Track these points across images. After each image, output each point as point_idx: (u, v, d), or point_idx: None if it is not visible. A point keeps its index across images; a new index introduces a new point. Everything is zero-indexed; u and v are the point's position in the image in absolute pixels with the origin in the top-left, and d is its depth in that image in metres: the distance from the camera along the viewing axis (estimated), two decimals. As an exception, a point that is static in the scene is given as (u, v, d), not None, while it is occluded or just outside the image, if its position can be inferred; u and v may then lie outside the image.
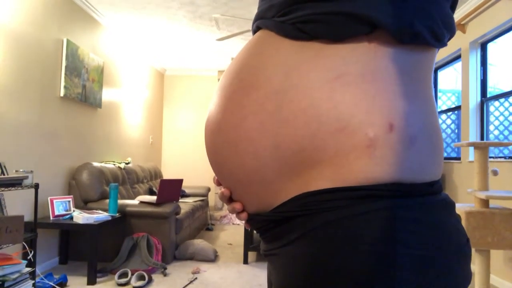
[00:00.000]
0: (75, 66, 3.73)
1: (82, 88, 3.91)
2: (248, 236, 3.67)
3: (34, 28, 3.16)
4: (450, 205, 0.48)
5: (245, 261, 3.69)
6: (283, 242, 0.49)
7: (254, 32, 0.56)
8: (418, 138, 0.46)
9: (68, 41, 3.60)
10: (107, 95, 4.58)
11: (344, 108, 0.44)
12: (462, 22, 3.73)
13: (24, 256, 2.69)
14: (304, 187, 0.46)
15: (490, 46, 3.63)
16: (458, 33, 3.83)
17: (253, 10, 4.00)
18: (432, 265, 0.42)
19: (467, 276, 0.46)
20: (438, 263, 0.43)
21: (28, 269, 2.46)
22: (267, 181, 0.49)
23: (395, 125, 0.44)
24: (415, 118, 0.46)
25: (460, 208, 2.34)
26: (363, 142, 0.43)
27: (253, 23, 0.57)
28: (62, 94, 3.54)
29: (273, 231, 0.51)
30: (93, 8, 4.06)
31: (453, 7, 0.52)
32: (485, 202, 2.33)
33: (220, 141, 0.53)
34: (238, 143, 0.50)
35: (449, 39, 0.51)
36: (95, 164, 3.89)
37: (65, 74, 3.57)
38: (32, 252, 2.67)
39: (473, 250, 2.99)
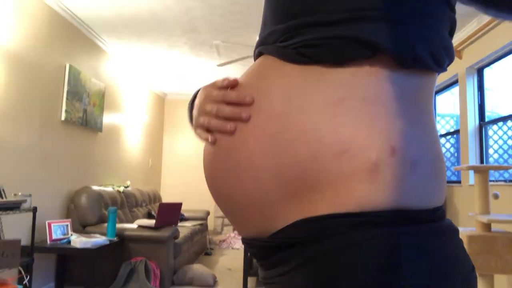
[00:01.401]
0: (77, 90, 3.78)
1: (83, 112, 3.94)
2: (247, 261, 3.61)
3: (38, 52, 3.21)
4: (454, 232, 0.47)
5: (245, 287, 3.62)
6: (282, 270, 0.47)
7: (256, 58, 0.57)
8: (420, 163, 0.45)
9: (70, 66, 3.65)
10: (108, 119, 4.61)
11: (346, 131, 0.44)
12: (458, 48, 3.80)
13: (20, 281, 2.64)
14: (304, 212, 0.45)
15: (487, 72, 3.69)
16: (455, 58, 3.89)
17: (253, 37, 4.08)
18: None
19: None
20: None
21: (24, 294, 2.42)
22: (267, 204, 0.47)
23: (397, 149, 0.43)
24: (417, 142, 0.45)
25: (462, 232, 2.32)
26: (364, 166, 0.43)
27: (255, 49, 0.58)
28: (63, 118, 3.57)
29: (272, 258, 0.49)
30: (96, 34, 4.14)
31: (451, 34, 0.52)
32: (486, 226, 2.31)
33: (219, 164, 0.52)
34: (238, 166, 0.49)
35: (448, 64, 0.51)
36: (94, 187, 3.87)
37: (67, 98, 3.61)
38: (28, 277, 2.62)
39: (476, 275, 2.94)
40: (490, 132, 3.60)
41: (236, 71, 5.37)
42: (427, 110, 0.49)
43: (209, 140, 0.52)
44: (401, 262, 0.40)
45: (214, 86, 0.54)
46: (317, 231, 0.43)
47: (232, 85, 0.52)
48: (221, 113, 0.51)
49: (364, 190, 0.42)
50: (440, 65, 0.49)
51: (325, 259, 0.42)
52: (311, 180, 0.44)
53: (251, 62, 0.58)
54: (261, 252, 0.51)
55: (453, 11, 0.52)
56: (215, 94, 0.53)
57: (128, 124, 5.29)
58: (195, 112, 0.57)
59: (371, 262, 0.40)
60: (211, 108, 0.52)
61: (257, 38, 0.58)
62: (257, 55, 0.56)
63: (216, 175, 0.53)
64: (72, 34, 3.76)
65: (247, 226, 0.52)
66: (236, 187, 0.50)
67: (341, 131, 0.44)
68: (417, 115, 0.47)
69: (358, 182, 0.43)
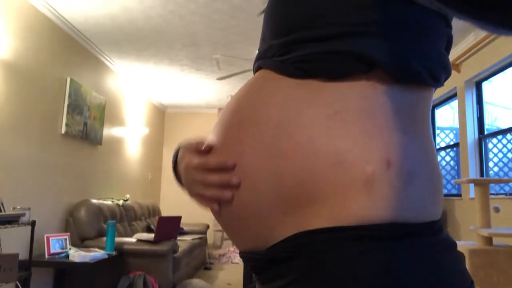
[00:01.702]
0: (77, 104, 3.79)
1: (84, 126, 3.94)
2: (247, 276, 3.57)
3: (39, 66, 3.24)
4: (452, 246, 0.47)
5: (244, 302, 3.57)
6: (279, 284, 0.46)
7: (255, 72, 0.57)
8: (416, 176, 0.45)
9: (71, 79, 3.68)
10: (108, 132, 4.62)
11: (342, 143, 0.44)
12: (457, 62, 3.83)
13: (17, 296, 2.61)
14: (300, 225, 0.44)
15: (485, 85, 3.71)
16: (453, 72, 3.92)
17: (253, 51, 4.11)
18: None
19: None
20: None
21: (20, 310, 2.38)
22: (264, 216, 0.47)
23: (393, 161, 0.43)
24: (414, 156, 0.45)
25: (463, 246, 2.30)
26: (360, 178, 0.43)
27: (254, 63, 0.58)
28: (63, 131, 3.57)
29: (269, 271, 0.49)
30: (97, 48, 4.18)
31: (447, 49, 0.53)
32: (488, 240, 2.30)
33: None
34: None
35: (445, 80, 0.51)
36: (93, 201, 3.85)
37: (67, 112, 3.62)
38: (25, 292, 2.59)
39: (478, 290, 2.91)
40: (490, 145, 3.60)
41: (235, 85, 5.40)
42: (424, 124, 0.50)
43: (214, 208, 0.52)
44: (398, 276, 0.39)
45: (192, 151, 0.54)
46: (312, 245, 0.43)
47: (208, 149, 0.52)
48: (211, 183, 0.50)
49: (360, 203, 0.42)
50: (437, 80, 0.49)
51: (320, 273, 0.42)
52: (308, 192, 0.44)
53: (250, 75, 0.58)
54: (258, 265, 0.51)
55: (449, 26, 0.53)
56: (195, 162, 0.52)
57: (128, 137, 5.29)
58: (183, 178, 0.56)
59: (368, 276, 0.39)
60: (199, 177, 0.52)
61: (256, 52, 0.58)
62: (256, 69, 0.57)
63: None
64: (73, 48, 3.79)
65: (244, 239, 0.51)
66: (232, 198, 0.49)
67: (337, 143, 0.44)
68: (413, 129, 0.47)
69: (354, 195, 0.42)
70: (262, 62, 0.54)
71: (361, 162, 0.43)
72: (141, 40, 3.95)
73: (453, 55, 3.89)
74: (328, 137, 0.44)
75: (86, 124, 4.00)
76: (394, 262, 0.40)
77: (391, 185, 0.43)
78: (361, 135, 0.44)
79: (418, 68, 0.46)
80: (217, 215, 0.54)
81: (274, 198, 0.46)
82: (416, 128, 0.48)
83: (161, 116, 6.86)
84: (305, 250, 0.43)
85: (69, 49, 3.71)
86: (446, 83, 0.52)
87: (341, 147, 0.44)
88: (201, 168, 0.52)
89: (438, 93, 4.27)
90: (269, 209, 0.47)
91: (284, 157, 0.45)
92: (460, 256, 0.48)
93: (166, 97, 6.24)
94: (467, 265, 2.21)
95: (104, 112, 4.39)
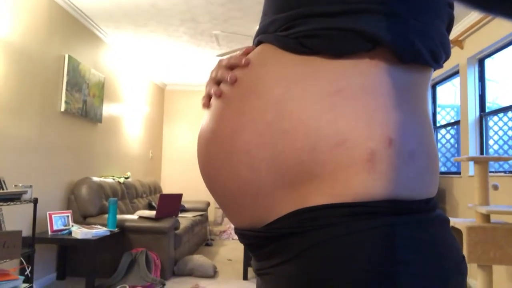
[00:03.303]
0: (76, 81, 3.76)
1: (83, 103, 3.93)
2: (247, 251, 3.63)
3: (36, 44, 3.19)
4: (446, 222, 0.48)
5: (245, 277, 3.65)
6: (277, 260, 0.47)
7: (256, 46, 0.56)
8: (416, 154, 0.45)
9: (69, 57, 3.63)
10: (107, 110, 4.60)
11: (344, 121, 0.44)
12: (460, 38, 3.77)
13: (22, 271, 2.66)
14: (300, 202, 0.45)
15: (488, 62, 3.67)
16: (456, 49, 3.87)
17: (253, 27, 4.05)
18: (433, 283, 0.41)
19: None
20: (439, 281, 0.42)
21: (26, 285, 2.43)
22: (262, 194, 0.47)
23: (394, 139, 0.44)
24: (414, 134, 0.46)
25: (461, 223, 2.33)
26: (362, 157, 0.43)
27: (255, 38, 0.57)
28: (62, 109, 3.56)
29: (266, 248, 0.49)
30: (95, 25, 4.11)
31: (448, 30, 0.53)
32: (486, 217, 2.32)
33: (214, 151, 0.52)
34: (233, 154, 0.49)
35: (444, 61, 0.52)
36: (95, 179, 3.88)
37: (66, 89, 3.59)
38: (30, 268, 2.64)
39: (475, 265, 2.97)
40: (491, 123, 3.60)
41: (236, 62, 5.34)
42: (423, 105, 0.50)
43: (205, 105, 0.56)
44: (396, 251, 0.40)
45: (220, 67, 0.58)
46: (311, 221, 0.43)
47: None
48: (211, 79, 0.56)
49: (361, 180, 0.43)
50: (437, 61, 0.49)
51: (319, 249, 0.42)
52: (308, 170, 0.44)
53: (251, 52, 0.57)
54: (255, 243, 0.51)
55: (451, 7, 0.52)
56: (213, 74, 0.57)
57: (128, 115, 5.28)
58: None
59: (366, 252, 0.40)
60: (208, 83, 0.57)
61: (257, 28, 0.57)
62: (257, 43, 0.56)
63: (210, 162, 0.53)
64: (70, 25, 3.73)
65: (241, 216, 0.51)
66: (231, 175, 0.49)
67: (339, 121, 0.44)
68: (413, 109, 0.48)
69: (355, 172, 0.43)
70: (264, 36, 0.54)
71: (362, 141, 0.43)
72: (140, 16, 3.89)
73: (456, 31, 3.83)
74: (330, 116, 0.44)
75: (86, 102, 3.98)
76: (393, 237, 0.41)
77: (392, 163, 0.43)
78: (363, 113, 0.44)
79: (421, 48, 0.46)
80: (213, 191, 0.54)
81: (274, 176, 0.46)
82: (416, 107, 0.48)
83: (161, 94, 6.82)
84: (305, 227, 0.44)
85: (66, 26, 3.65)
86: (448, 60, 0.52)
87: (342, 125, 0.44)
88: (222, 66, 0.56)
89: (440, 70, 4.23)
90: (268, 187, 0.47)
91: (285, 135, 0.45)
92: (452, 232, 0.49)
93: (165, 74, 6.18)
94: (465, 242, 2.25)
95: (103, 90, 4.36)
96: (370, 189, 0.42)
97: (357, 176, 0.43)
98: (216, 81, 0.55)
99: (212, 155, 0.52)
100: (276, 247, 0.47)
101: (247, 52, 0.56)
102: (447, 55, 0.51)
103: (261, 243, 0.50)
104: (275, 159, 0.46)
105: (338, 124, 0.44)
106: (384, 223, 0.41)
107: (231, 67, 0.54)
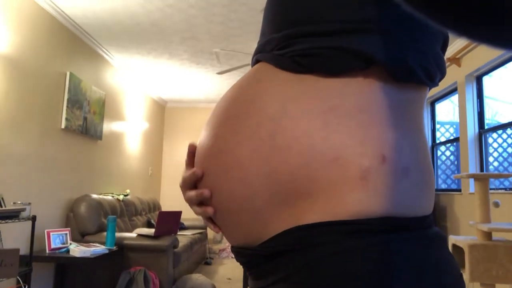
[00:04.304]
0: (77, 98, 3.78)
1: (83, 120, 3.94)
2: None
3: (38, 61, 3.23)
4: (442, 239, 0.48)
5: (245, 296, 3.60)
6: (272, 279, 0.46)
7: (253, 65, 0.57)
8: (410, 171, 0.45)
9: (71, 74, 3.67)
10: (107, 127, 4.61)
11: (338, 138, 0.44)
12: (457, 56, 3.82)
13: (18, 291, 2.62)
14: (294, 220, 0.44)
15: (486, 79, 3.70)
16: (453, 66, 3.91)
17: (252, 45, 4.10)
18: None
19: None
20: None
21: (22, 304, 2.39)
22: (257, 211, 0.47)
23: (387, 157, 0.44)
24: (407, 152, 0.46)
25: (463, 240, 2.31)
26: (356, 174, 0.43)
27: (253, 56, 0.58)
28: (63, 126, 3.57)
29: (262, 267, 0.49)
30: (96, 43, 4.16)
31: (443, 49, 0.53)
32: (487, 235, 2.30)
33: (210, 166, 0.52)
34: (228, 170, 0.49)
35: (440, 80, 0.52)
36: (94, 196, 3.86)
37: (67, 106, 3.61)
38: (27, 287, 2.60)
39: (478, 284, 2.92)
40: (490, 140, 3.60)
41: (235, 79, 5.39)
42: (418, 123, 0.50)
43: (212, 228, 0.56)
44: (391, 269, 0.40)
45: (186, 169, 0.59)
46: (305, 239, 0.43)
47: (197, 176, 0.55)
48: (190, 201, 0.56)
49: (355, 198, 0.42)
50: (432, 79, 0.49)
51: (313, 267, 0.42)
52: (302, 187, 0.44)
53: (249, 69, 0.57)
54: (250, 261, 0.51)
55: None
56: (181, 181, 0.58)
57: (128, 132, 5.29)
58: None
59: (361, 270, 0.40)
60: (184, 196, 0.57)
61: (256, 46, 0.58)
62: (254, 62, 0.57)
63: (206, 179, 0.53)
64: (72, 42, 3.77)
65: (236, 234, 0.51)
66: (225, 191, 0.49)
67: (333, 138, 0.44)
68: (408, 126, 0.48)
69: (349, 190, 0.43)
70: (261, 55, 0.54)
71: (356, 158, 0.43)
72: (141, 34, 3.94)
73: (454, 49, 3.87)
74: (324, 132, 0.45)
75: (86, 119, 3.99)
76: (387, 255, 0.40)
77: (386, 180, 0.43)
78: (357, 130, 0.44)
79: (415, 67, 0.47)
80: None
81: (268, 193, 0.46)
82: (411, 125, 0.48)
83: (161, 111, 6.86)
84: (300, 245, 0.43)
85: (68, 43, 3.69)
86: (446, 77, 0.52)
87: (336, 142, 0.44)
88: (183, 186, 0.57)
89: (439, 87, 4.26)
90: (263, 204, 0.47)
91: (279, 152, 0.45)
92: (449, 250, 0.49)
93: (166, 91, 6.23)
94: (467, 260, 2.22)
95: (104, 107, 4.38)
96: (364, 207, 0.42)
97: (351, 194, 0.43)
98: (195, 201, 0.55)
99: (208, 171, 0.52)
100: (272, 266, 0.47)
101: (191, 151, 0.58)
102: (442, 74, 0.51)
103: (257, 261, 0.49)
104: (270, 176, 0.46)
105: (331, 141, 0.44)
106: (379, 241, 0.41)
107: (191, 183, 0.55)
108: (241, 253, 0.52)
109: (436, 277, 0.42)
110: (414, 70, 0.47)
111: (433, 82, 0.50)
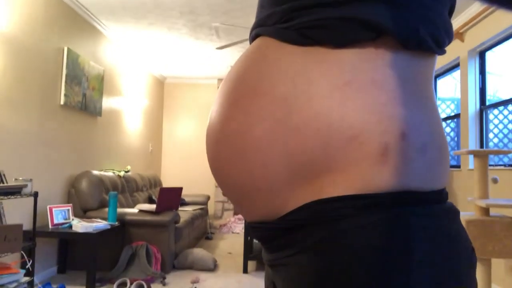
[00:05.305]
0: (75, 74, 3.75)
1: (82, 97, 3.91)
2: (247, 245, 3.65)
3: (35, 37, 3.18)
4: (456, 213, 0.48)
5: (245, 270, 3.67)
6: (291, 251, 0.47)
7: (253, 40, 0.55)
8: (428, 147, 0.46)
9: (68, 49, 3.62)
10: (107, 103, 4.59)
11: (356, 115, 0.44)
12: (461, 31, 3.75)
13: (23, 265, 2.68)
14: (315, 195, 0.45)
15: (489, 55, 3.65)
16: (456, 41, 3.85)
17: (253, 19, 4.02)
18: (447, 274, 0.42)
19: (475, 285, 0.46)
20: (452, 273, 0.42)
21: (27, 278, 2.45)
22: (276, 189, 0.47)
23: (406, 133, 0.44)
24: (425, 127, 0.46)
25: (461, 216, 2.33)
26: (376, 151, 0.43)
27: (251, 31, 0.56)
28: (62, 102, 3.55)
29: (280, 240, 0.49)
30: (94, 17, 4.09)
31: (450, 13, 0.53)
32: (485, 211, 2.33)
33: (225, 150, 0.51)
34: (245, 152, 0.48)
35: (447, 45, 0.52)
36: (95, 172, 3.88)
37: (66, 82, 3.58)
38: (31, 261, 2.65)
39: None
40: (491, 116, 3.59)
41: (235, 54, 5.32)
42: (430, 94, 0.50)
43: None
44: (410, 241, 0.41)
45: None
46: (326, 212, 0.43)
47: None
48: None
49: (375, 173, 0.43)
50: (441, 46, 0.49)
51: (333, 241, 0.42)
52: (321, 166, 0.44)
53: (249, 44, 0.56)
54: (267, 235, 0.51)
55: None
56: None
57: (127, 108, 5.27)
58: None
59: (380, 243, 0.41)
60: None
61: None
62: (254, 37, 0.55)
63: (221, 160, 0.52)
64: (69, 17, 3.70)
65: (254, 210, 0.51)
66: (243, 173, 0.49)
67: (351, 116, 0.44)
68: (422, 99, 0.48)
69: (369, 165, 0.43)
70: (262, 29, 0.52)
71: (376, 136, 0.43)
72: (139, 8, 3.86)
73: (457, 24, 3.81)
74: (342, 110, 0.44)
75: (85, 95, 3.96)
76: (406, 227, 0.41)
77: (405, 155, 0.44)
78: (375, 107, 0.44)
79: (425, 35, 0.46)
80: (224, 187, 0.54)
81: (288, 173, 0.46)
82: (425, 99, 0.48)
83: (160, 87, 6.81)
84: (319, 219, 0.44)
85: (65, 18, 3.63)
86: (448, 52, 0.51)
87: (355, 120, 0.44)
88: None
89: (441, 63, 4.21)
90: (282, 183, 0.47)
91: (297, 131, 0.45)
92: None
93: (165, 67, 6.16)
94: (464, 235, 2.25)
95: (102, 83, 4.35)
96: (383, 181, 0.43)
97: (371, 169, 0.43)
98: None
99: (223, 154, 0.51)
100: (291, 239, 0.47)
101: None
102: (450, 39, 0.51)
103: (273, 236, 0.50)
104: (288, 157, 0.45)
105: (350, 119, 0.44)
106: (398, 214, 0.42)
107: None
108: (258, 228, 0.52)
109: (452, 251, 0.44)
110: (424, 38, 0.46)
111: (442, 49, 0.50)
